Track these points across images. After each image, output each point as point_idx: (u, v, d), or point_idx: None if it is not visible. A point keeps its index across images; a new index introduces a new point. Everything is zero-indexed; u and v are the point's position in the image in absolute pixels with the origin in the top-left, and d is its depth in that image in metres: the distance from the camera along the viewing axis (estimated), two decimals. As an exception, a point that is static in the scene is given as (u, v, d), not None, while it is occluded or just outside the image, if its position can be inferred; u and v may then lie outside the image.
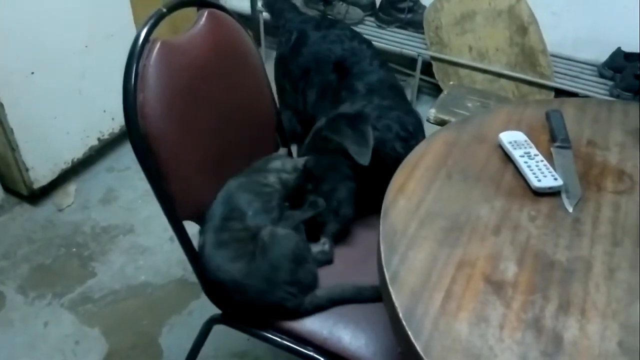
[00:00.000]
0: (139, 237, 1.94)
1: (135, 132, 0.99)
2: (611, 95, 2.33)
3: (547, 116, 1.15)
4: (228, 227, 1.12)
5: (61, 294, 1.74)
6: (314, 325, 1.10)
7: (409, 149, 1.33)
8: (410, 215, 0.92)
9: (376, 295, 1.11)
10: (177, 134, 1.05)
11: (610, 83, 2.39)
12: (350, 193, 1.30)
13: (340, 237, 1.29)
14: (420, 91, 2.79)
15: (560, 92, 2.43)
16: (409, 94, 2.63)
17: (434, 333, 0.73)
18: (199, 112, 1.10)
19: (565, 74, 2.46)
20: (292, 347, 1.10)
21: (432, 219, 0.91)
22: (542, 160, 1.01)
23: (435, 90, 2.74)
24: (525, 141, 1.06)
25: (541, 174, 0.98)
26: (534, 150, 1.04)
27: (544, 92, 2.46)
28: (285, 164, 1.22)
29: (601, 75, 2.45)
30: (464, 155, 1.06)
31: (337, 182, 1.30)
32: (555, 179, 0.97)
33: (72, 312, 1.69)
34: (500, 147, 1.08)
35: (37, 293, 1.74)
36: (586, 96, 2.34)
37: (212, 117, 1.13)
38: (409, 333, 0.73)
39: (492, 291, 0.79)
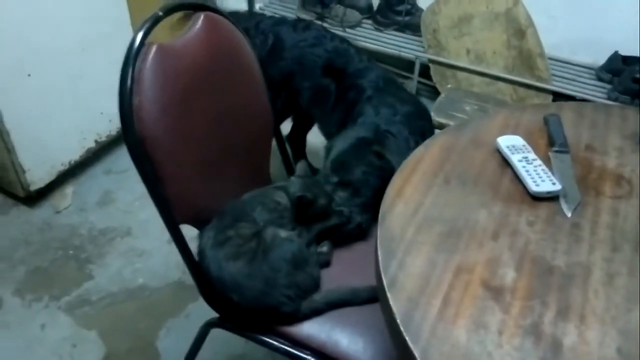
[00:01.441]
0: (136, 239, 1.94)
1: (131, 136, 0.99)
2: (609, 98, 2.34)
3: (545, 121, 1.15)
4: (234, 226, 1.13)
5: (58, 297, 1.74)
6: (311, 329, 1.10)
7: None
8: (407, 220, 0.92)
9: (372, 296, 1.11)
10: (173, 138, 1.05)
11: (609, 86, 2.39)
12: (371, 209, 1.31)
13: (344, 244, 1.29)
14: (418, 94, 2.78)
15: (558, 95, 2.44)
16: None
17: (431, 339, 0.73)
18: (196, 115, 1.10)
19: (562, 77, 2.47)
20: (289, 351, 1.09)
21: (430, 224, 0.91)
22: (540, 165, 1.01)
23: (434, 93, 2.74)
24: (524, 145, 1.06)
25: (539, 178, 0.98)
26: (532, 155, 1.04)
27: (542, 96, 2.46)
28: (297, 185, 1.24)
29: (599, 79, 2.45)
30: (461, 160, 1.06)
31: (367, 196, 1.32)
32: (554, 184, 0.97)
33: (69, 314, 1.69)
34: (498, 152, 1.07)
35: (34, 296, 1.74)
36: (584, 99, 2.35)
37: (208, 121, 1.13)
38: (407, 339, 0.73)
39: (491, 297, 0.79)
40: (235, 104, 1.21)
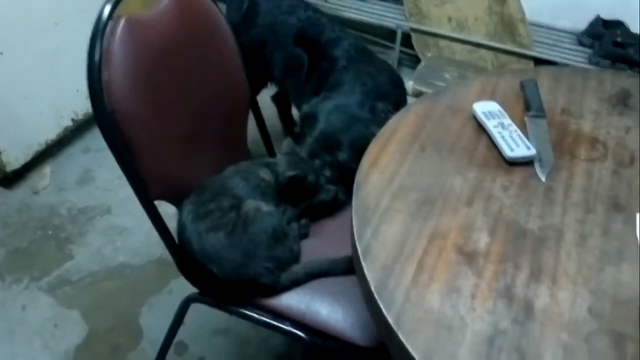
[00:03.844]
0: (116, 217, 1.92)
1: (101, 111, 0.97)
2: (590, 62, 2.33)
3: (522, 86, 1.14)
4: (214, 200, 1.13)
5: (39, 277, 1.72)
6: (291, 300, 1.10)
7: None
8: (383, 189, 0.91)
9: (351, 266, 1.10)
10: (146, 112, 1.03)
11: (589, 51, 2.39)
12: None
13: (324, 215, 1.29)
14: (400, 63, 2.76)
15: (539, 61, 2.43)
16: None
17: (405, 305, 0.73)
18: (169, 89, 1.08)
19: (544, 43, 2.45)
20: (270, 322, 1.10)
21: (405, 192, 0.91)
22: (515, 130, 1.01)
23: (415, 62, 2.71)
24: (499, 111, 1.05)
25: (514, 143, 0.97)
26: (507, 120, 1.03)
27: (523, 62, 2.45)
28: (285, 164, 1.23)
29: (580, 43, 2.44)
30: (437, 128, 1.05)
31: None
32: (529, 149, 0.97)
33: (51, 295, 1.68)
34: (474, 118, 1.07)
35: (14, 277, 1.72)
36: (565, 65, 2.34)
37: (182, 95, 1.11)
38: (381, 306, 0.73)
39: (464, 262, 0.79)
40: (210, 77, 1.18)
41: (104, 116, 0.97)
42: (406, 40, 2.65)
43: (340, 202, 1.30)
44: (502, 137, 0.99)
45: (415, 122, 1.06)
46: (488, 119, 1.04)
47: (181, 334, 1.37)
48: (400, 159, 0.98)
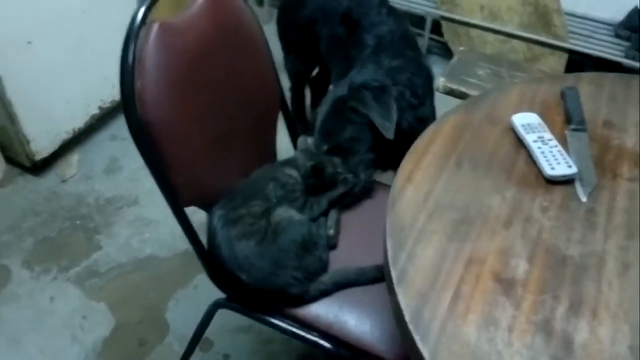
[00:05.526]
0: (143, 208, 1.93)
1: (134, 121, 0.95)
2: (627, 57, 2.26)
3: (562, 95, 1.10)
4: (246, 205, 1.12)
5: (67, 268, 1.74)
6: (319, 309, 1.09)
7: (417, 118, 1.38)
8: (418, 207, 0.89)
9: (380, 275, 1.10)
10: (178, 120, 1.01)
11: (627, 44, 2.30)
12: (371, 163, 1.32)
13: (352, 204, 1.29)
14: (429, 51, 2.71)
15: (573, 53, 2.36)
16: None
17: (441, 337, 0.71)
18: (200, 96, 1.06)
19: (579, 34, 2.38)
20: (296, 332, 1.09)
21: (441, 211, 0.88)
22: (556, 146, 0.97)
23: (445, 50, 2.66)
24: (539, 124, 1.02)
25: (555, 160, 0.94)
26: (547, 135, 0.99)
27: (557, 54, 2.38)
28: (303, 158, 1.23)
29: (617, 36, 2.36)
30: (474, 140, 1.02)
31: (362, 153, 1.30)
32: (570, 166, 0.93)
33: (78, 286, 1.70)
34: (513, 130, 1.03)
35: (43, 267, 1.75)
36: (600, 58, 2.27)
37: (213, 101, 1.09)
38: (416, 338, 0.71)
39: (502, 291, 0.77)
40: (242, 81, 1.16)
41: (137, 125, 0.96)
42: (436, 27, 2.60)
43: (362, 186, 1.29)
44: (542, 153, 0.96)
45: (452, 133, 1.04)
46: (527, 132, 1.00)
47: (207, 330, 1.37)
48: (435, 175, 0.95)
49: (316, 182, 1.22)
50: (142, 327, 1.60)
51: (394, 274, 0.79)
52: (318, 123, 1.32)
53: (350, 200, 1.28)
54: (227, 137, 1.14)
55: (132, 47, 0.93)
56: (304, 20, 1.72)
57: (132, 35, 0.94)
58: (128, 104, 0.94)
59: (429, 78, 1.47)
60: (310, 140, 1.30)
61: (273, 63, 1.25)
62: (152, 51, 0.95)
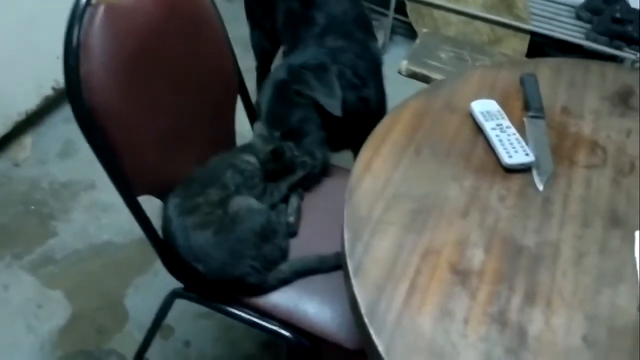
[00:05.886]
0: (101, 193, 1.87)
1: (79, 106, 0.91)
2: (587, 39, 2.28)
3: (522, 81, 1.10)
4: (203, 193, 1.10)
5: (21, 255, 1.69)
6: (278, 299, 1.08)
7: (360, 98, 1.37)
8: (376, 197, 0.88)
9: (339, 263, 1.09)
10: (127, 107, 0.97)
11: (587, 26, 2.32)
12: (323, 141, 1.31)
13: (312, 186, 1.28)
14: (393, 31, 2.68)
15: (536, 35, 2.37)
16: (382, 35, 2.53)
17: (396, 330, 0.71)
18: (151, 81, 1.02)
19: (542, 16, 2.38)
20: (256, 322, 1.08)
21: (399, 201, 0.87)
22: (514, 134, 0.97)
23: (410, 30, 2.64)
24: (498, 111, 1.01)
25: (512, 149, 0.94)
26: (506, 122, 0.99)
27: (520, 35, 2.39)
28: (261, 143, 1.21)
29: (578, 18, 2.38)
30: (433, 127, 1.01)
31: (314, 133, 1.29)
32: (527, 154, 0.93)
33: (33, 274, 1.64)
34: (472, 117, 1.03)
35: (-4, 255, 1.69)
36: (562, 40, 2.28)
37: (166, 86, 1.05)
38: (371, 332, 0.71)
39: (458, 281, 0.77)
40: (197, 65, 1.12)
41: (83, 112, 0.92)
42: (401, 7, 2.57)
43: (320, 164, 1.28)
44: (500, 141, 0.96)
45: (412, 120, 1.02)
46: (486, 119, 1.00)
47: (167, 317, 1.35)
48: (394, 163, 0.94)
49: (276, 166, 1.20)
50: (101, 315, 1.56)
51: (350, 266, 0.78)
52: (263, 110, 1.29)
53: (310, 183, 1.27)
54: (182, 123, 1.11)
55: (76, 29, 0.89)
56: None
57: (77, 16, 0.89)
58: (72, 88, 0.90)
59: (374, 62, 1.45)
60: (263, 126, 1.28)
61: (230, 46, 1.21)
62: (99, 34, 0.91)
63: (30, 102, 1.99)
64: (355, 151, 1.65)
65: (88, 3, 0.90)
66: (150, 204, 1.08)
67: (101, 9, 0.92)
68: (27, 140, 2.02)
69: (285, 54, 1.60)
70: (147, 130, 1.02)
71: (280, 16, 1.64)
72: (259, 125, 1.26)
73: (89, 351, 1.49)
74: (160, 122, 1.05)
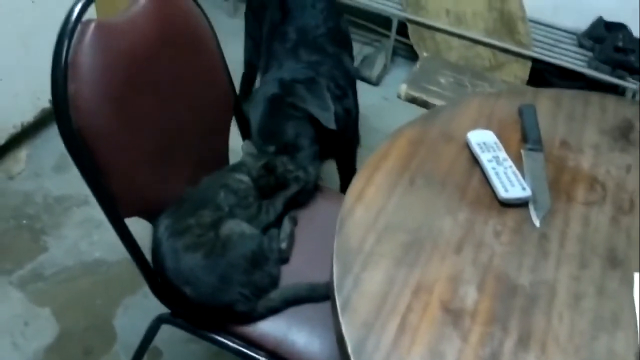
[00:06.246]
0: (94, 209, 1.80)
1: (66, 127, 0.90)
2: (589, 67, 2.27)
3: (520, 112, 1.08)
4: (195, 214, 1.08)
5: (10, 271, 1.66)
6: (266, 327, 1.05)
7: (344, 109, 1.39)
8: (367, 228, 0.86)
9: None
10: (116, 127, 0.96)
11: (590, 54, 2.32)
12: (317, 156, 1.31)
13: (306, 202, 1.27)
14: (395, 53, 2.67)
15: (537, 62, 2.36)
16: (383, 57, 2.52)
17: (384, 372, 0.68)
18: (142, 101, 1.00)
19: (543, 42, 2.38)
20: (242, 351, 1.05)
21: (391, 233, 0.85)
22: (510, 166, 0.95)
23: (411, 52, 2.64)
24: (495, 143, 0.99)
25: (509, 182, 0.92)
26: (502, 154, 0.97)
27: (521, 61, 2.38)
28: (252, 161, 1.21)
29: (580, 45, 2.37)
30: (429, 157, 0.99)
31: (308, 147, 1.28)
32: (524, 189, 0.91)
33: (22, 290, 1.61)
34: (469, 147, 1.01)
35: (-16, 270, 1.66)
36: (563, 67, 2.28)
37: (157, 107, 1.03)
38: (357, 373, 0.68)
39: (450, 321, 0.74)
40: (190, 85, 1.11)
41: (70, 131, 0.90)
42: (403, 29, 2.57)
43: (313, 180, 1.28)
44: (497, 173, 0.94)
45: (407, 148, 1.00)
46: (483, 151, 0.98)
47: (155, 340, 1.31)
48: (388, 192, 0.92)
49: (269, 181, 1.19)
50: (88, 335, 1.53)
51: (338, 302, 0.76)
52: (255, 126, 1.28)
53: (304, 198, 1.26)
54: (173, 144, 1.09)
55: (65, 46, 0.87)
56: (258, 2, 1.70)
57: (67, 33, 0.87)
58: (60, 109, 0.88)
59: (348, 74, 1.47)
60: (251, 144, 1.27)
61: (225, 66, 1.19)
62: (88, 52, 0.89)
63: (26, 114, 1.97)
64: (338, 161, 1.66)
65: (78, 20, 0.89)
66: (138, 226, 1.06)
67: (92, 27, 0.90)
68: (22, 153, 2.00)
69: (261, 73, 1.60)
70: (136, 151, 1.00)
71: (265, 27, 1.64)
72: (247, 143, 1.25)
73: (75, 372, 1.46)
74: (151, 142, 1.03)
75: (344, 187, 1.74)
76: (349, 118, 1.42)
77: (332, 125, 1.25)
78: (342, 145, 1.47)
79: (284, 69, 1.36)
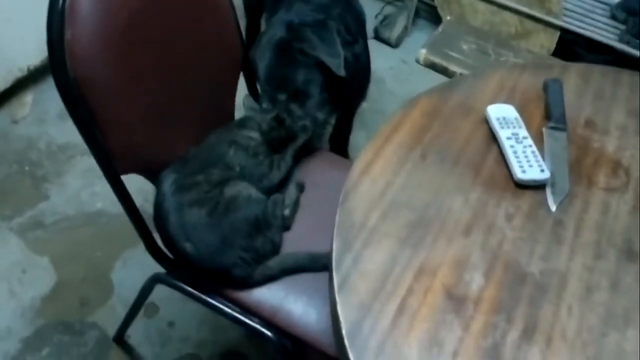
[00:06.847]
0: (97, 159, 1.81)
1: (62, 76, 0.85)
2: (620, 41, 2.16)
3: (545, 87, 1.02)
4: (204, 171, 1.05)
5: (10, 217, 1.64)
6: (263, 295, 1.02)
7: (354, 55, 1.32)
8: (372, 203, 0.81)
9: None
10: (114, 78, 0.90)
11: (622, 27, 2.20)
12: (327, 102, 1.27)
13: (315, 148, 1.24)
14: (417, 14, 2.56)
15: (566, 32, 2.25)
16: (405, 18, 2.42)
17: (378, 357, 0.65)
18: (144, 52, 0.94)
19: (574, 12, 2.26)
20: (237, 317, 1.02)
21: (397, 210, 0.80)
22: (530, 146, 0.89)
23: (435, 15, 2.53)
24: (516, 119, 0.93)
25: (527, 162, 0.86)
26: (523, 132, 0.91)
27: (549, 31, 2.27)
28: (261, 115, 1.17)
29: (613, 17, 2.25)
30: (443, 130, 0.93)
31: (318, 94, 1.24)
32: (542, 170, 0.85)
33: (21, 237, 1.60)
34: (487, 122, 0.95)
35: (-16, 214, 1.64)
36: (593, 39, 2.17)
37: (160, 59, 0.98)
38: (350, 356, 0.64)
39: (452, 308, 0.70)
40: (196, 38, 1.05)
41: (65, 81, 0.85)
42: (427, -10, 2.46)
43: (322, 125, 1.27)
44: (515, 152, 0.88)
45: (421, 120, 0.95)
46: (502, 127, 0.92)
47: (153, 296, 1.30)
48: (397, 167, 0.87)
49: (280, 133, 1.15)
50: (85, 286, 1.52)
51: (336, 279, 0.72)
52: (263, 72, 1.23)
53: (316, 143, 1.24)
54: (177, 99, 1.04)
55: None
56: None
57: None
58: (54, 55, 0.83)
59: (358, 18, 1.39)
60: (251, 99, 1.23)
61: (236, 19, 1.12)
62: (86, -3, 0.83)
63: (33, 57, 1.92)
64: (346, 113, 1.59)
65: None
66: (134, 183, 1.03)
67: (92, -31, 0.84)
68: (28, 97, 1.96)
69: (266, 17, 1.53)
70: (135, 105, 0.95)
71: None
72: (248, 98, 1.21)
73: (70, 323, 1.45)
74: (152, 96, 0.98)
75: (333, 142, 1.70)
76: (358, 65, 1.35)
77: (342, 72, 1.19)
78: (349, 94, 1.38)
79: (292, 11, 1.29)
